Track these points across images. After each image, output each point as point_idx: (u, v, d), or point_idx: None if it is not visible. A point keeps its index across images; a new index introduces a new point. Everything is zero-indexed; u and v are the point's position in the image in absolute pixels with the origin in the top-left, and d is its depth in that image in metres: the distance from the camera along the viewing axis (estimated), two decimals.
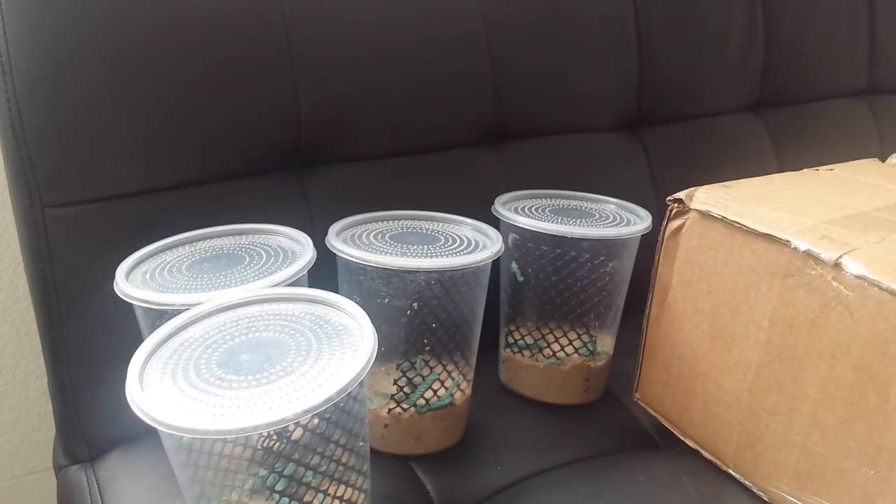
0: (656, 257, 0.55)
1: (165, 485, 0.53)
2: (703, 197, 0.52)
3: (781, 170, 0.95)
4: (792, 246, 0.44)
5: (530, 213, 0.63)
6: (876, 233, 0.45)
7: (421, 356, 0.54)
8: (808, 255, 0.43)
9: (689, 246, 0.52)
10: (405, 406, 0.55)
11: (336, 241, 0.54)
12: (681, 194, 0.52)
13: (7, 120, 0.53)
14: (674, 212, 0.53)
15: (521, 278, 0.63)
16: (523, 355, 0.65)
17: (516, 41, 0.73)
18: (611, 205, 0.68)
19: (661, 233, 0.54)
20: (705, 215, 0.50)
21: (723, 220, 0.49)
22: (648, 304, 0.56)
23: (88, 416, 0.59)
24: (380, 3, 0.66)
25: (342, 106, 0.65)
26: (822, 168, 0.62)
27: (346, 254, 0.52)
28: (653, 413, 0.59)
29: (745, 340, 0.48)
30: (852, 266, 0.41)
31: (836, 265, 0.42)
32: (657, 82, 0.84)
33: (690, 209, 0.52)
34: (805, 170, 0.62)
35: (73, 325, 0.56)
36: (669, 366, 0.56)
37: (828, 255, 0.42)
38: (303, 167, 0.66)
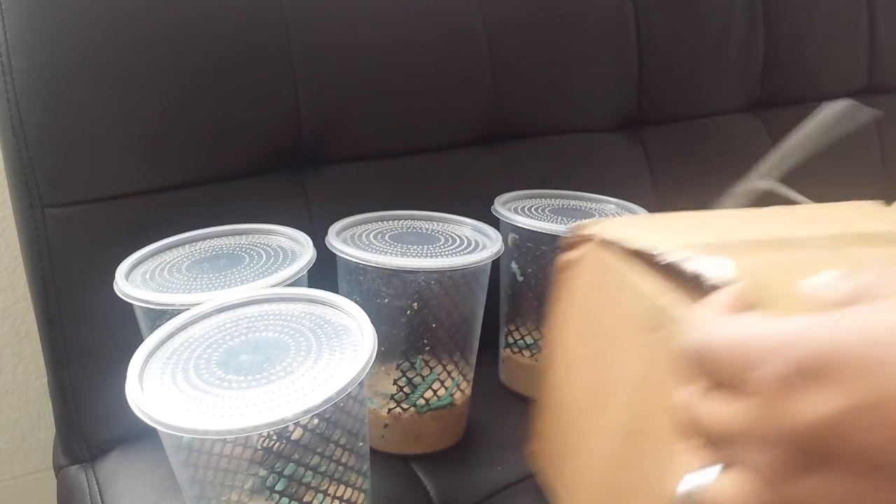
0: (550, 296, 0.47)
1: (165, 485, 0.53)
2: (604, 228, 0.42)
3: None
4: (660, 260, 0.34)
5: (530, 213, 0.63)
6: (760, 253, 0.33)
7: (421, 356, 0.54)
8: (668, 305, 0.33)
9: (581, 283, 0.43)
10: (405, 406, 0.55)
11: (336, 241, 0.54)
12: (583, 223, 0.44)
13: (7, 120, 0.53)
14: (567, 243, 0.44)
15: (521, 278, 0.63)
16: (523, 355, 0.65)
17: (516, 41, 0.73)
18: (611, 205, 0.68)
19: (555, 266, 0.46)
20: (600, 246, 0.41)
21: (613, 255, 0.39)
22: (543, 345, 0.50)
23: (88, 416, 0.59)
24: (380, 4, 0.66)
25: (342, 106, 0.65)
26: (819, 205, 0.47)
27: (346, 254, 0.52)
28: (541, 476, 0.49)
29: (614, 400, 0.39)
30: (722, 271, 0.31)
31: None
32: (657, 82, 0.84)
33: (588, 240, 0.42)
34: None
35: (73, 325, 0.56)
36: (558, 419, 0.47)
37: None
38: (303, 167, 0.66)
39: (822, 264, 0.29)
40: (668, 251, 0.33)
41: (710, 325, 0.23)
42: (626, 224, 0.42)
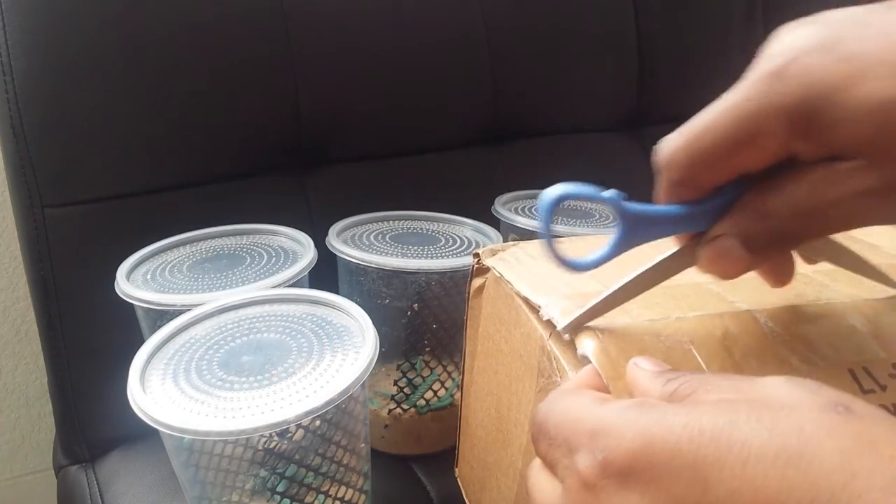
0: (464, 317, 0.44)
1: (166, 485, 0.53)
2: (506, 255, 0.40)
3: None
4: (542, 315, 0.31)
5: (530, 213, 0.63)
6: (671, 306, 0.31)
7: (421, 357, 0.54)
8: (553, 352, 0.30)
9: (487, 312, 0.40)
10: (405, 407, 0.55)
11: (337, 241, 0.54)
12: (485, 248, 0.41)
13: (7, 120, 0.53)
14: (475, 268, 0.41)
15: None
16: None
17: (517, 41, 0.73)
18: None
19: (466, 290, 0.43)
20: (498, 279, 0.38)
21: (507, 286, 0.37)
22: (462, 367, 0.45)
23: (88, 416, 0.59)
24: (380, 4, 0.66)
25: (342, 106, 0.65)
26: None
27: (347, 255, 0.52)
28: (465, 498, 0.47)
29: (515, 440, 0.37)
30: (584, 346, 0.28)
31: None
32: (657, 82, 0.84)
33: (488, 268, 0.39)
34: None
35: (73, 325, 0.56)
36: (474, 446, 0.44)
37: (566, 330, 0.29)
38: (303, 167, 0.66)
39: (699, 329, 0.28)
40: (549, 305, 0.31)
41: (552, 401, 0.23)
42: (521, 260, 0.39)
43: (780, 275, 0.27)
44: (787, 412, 0.18)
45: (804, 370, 0.28)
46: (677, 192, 0.25)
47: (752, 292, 0.32)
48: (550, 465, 0.22)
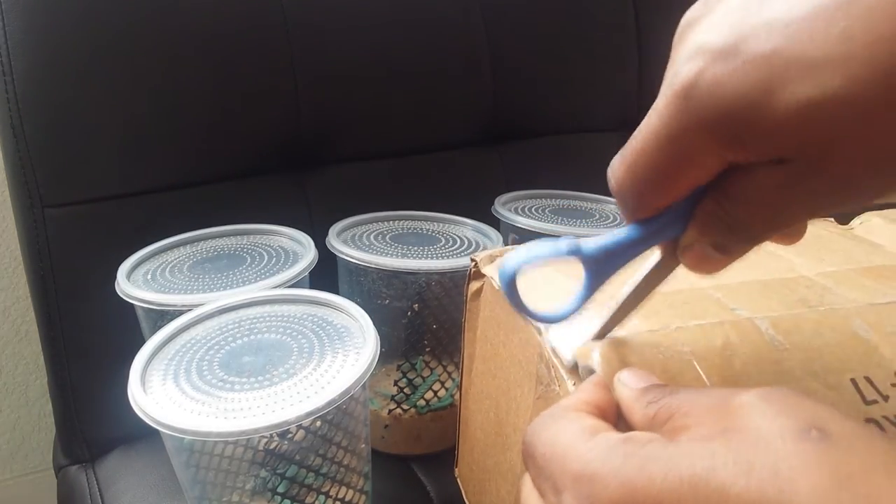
0: (463, 320, 0.43)
1: (166, 485, 0.53)
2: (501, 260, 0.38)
3: None
4: (537, 329, 0.32)
5: (530, 213, 0.63)
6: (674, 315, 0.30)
7: (421, 357, 0.54)
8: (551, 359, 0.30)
9: (485, 316, 0.40)
10: (405, 407, 0.55)
11: (337, 241, 0.54)
12: (482, 254, 0.41)
13: (7, 120, 0.53)
14: (473, 272, 0.41)
15: None
16: None
17: (516, 41, 0.73)
18: (611, 205, 0.68)
19: (464, 293, 0.43)
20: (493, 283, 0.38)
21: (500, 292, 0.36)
22: (461, 369, 0.45)
23: (88, 416, 0.59)
24: (380, 4, 0.66)
25: (342, 106, 0.65)
26: None
27: (347, 255, 0.52)
28: (465, 499, 0.47)
29: (514, 445, 0.37)
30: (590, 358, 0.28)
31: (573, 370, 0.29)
32: (657, 82, 0.83)
33: (484, 274, 0.39)
34: None
35: (73, 325, 0.56)
36: (473, 449, 0.44)
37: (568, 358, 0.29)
38: (303, 167, 0.66)
39: (699, 337, 0.28)
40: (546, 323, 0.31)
41: (541, 425, 0.23)
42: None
43: (789, 238, 0.26)
44: (763, 447, 0.18)
45: (805, 381, 0.27)
46: (636, 216, 0.24)
47: (754, 298, 0.31)
48: (539, 491, 0.22)
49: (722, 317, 0.30)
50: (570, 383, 0.29)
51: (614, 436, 0.21)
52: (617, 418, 0.24)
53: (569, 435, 0.22)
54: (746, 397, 0.20)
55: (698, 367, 0.27)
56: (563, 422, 0.23)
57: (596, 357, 0.28)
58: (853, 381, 0.27)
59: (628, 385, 0.24)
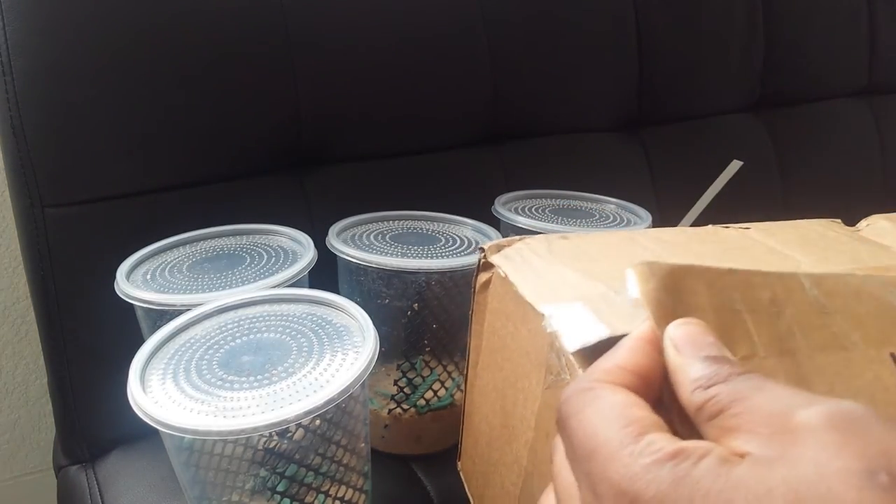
0: (470, 312, 0.44)
1: (166, 485, 0.53)
2: (511, 251, 0.40)
3: (781, 170, 0.95)
4: (545, 325, 0.32)
5: (530, 213, 0.63)
6: None
7: (421, 357, 0.54)
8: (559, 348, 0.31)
9: (493, 307, 0.40)
10: (405, 406, 0.55)
11: (336, 241, 0.54)
12: (491, 243, 0.41)
13: (7, 120, 0.53)
14: (482, 263, 0.41)
15: None
16: None
17: (516, 41, 0.73)
18: (611, 205, 0.68)
19: (472, 285, 0.43)
20: (503, 277, 0.38)
21: (511, 284, 0.37)
22: (466, 362, 0.45)
23: (88, 416, 0.59)
24: (380, 4, 0.66)
25: (342, 106, 0.65)
26: (735, 226, 0.44)
27: (347, 254, 0.52)
28: (468, 493, 0.47)
29: (520, 436, 0.37)
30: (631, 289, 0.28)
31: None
32: (657, 82, 0.84)
33: (493, 265, 0.39)
34: (710, 226, 0.45)
35: (73, 325, 0.56)
36: (477, 441, 0.45)
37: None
38: (303, 167, 0.66)
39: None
40: (554, 315, 0.31)
41: (577, 399, 0.22)
42: (527, 259, 0.38)
43: None
44: (824, 491, 0.16)
45: (847, 347, 0.27)
46: None
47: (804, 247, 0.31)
48: (575, 475, 0.21)
49: (770, 262, 0.29)
50: (581, 372, 0.28)
51: (663, 443, 0.19)
52: (662, 384, 0.23)
53: (611, 430, 0.20)
54: (811, 418, 0.18)
55: (748, 322, 0.27)
56: (602, 404, 0.21)
57: (646, 289, 0.26)
58: (893, 355, 0.27)
59: (682, 352, 0.22)
